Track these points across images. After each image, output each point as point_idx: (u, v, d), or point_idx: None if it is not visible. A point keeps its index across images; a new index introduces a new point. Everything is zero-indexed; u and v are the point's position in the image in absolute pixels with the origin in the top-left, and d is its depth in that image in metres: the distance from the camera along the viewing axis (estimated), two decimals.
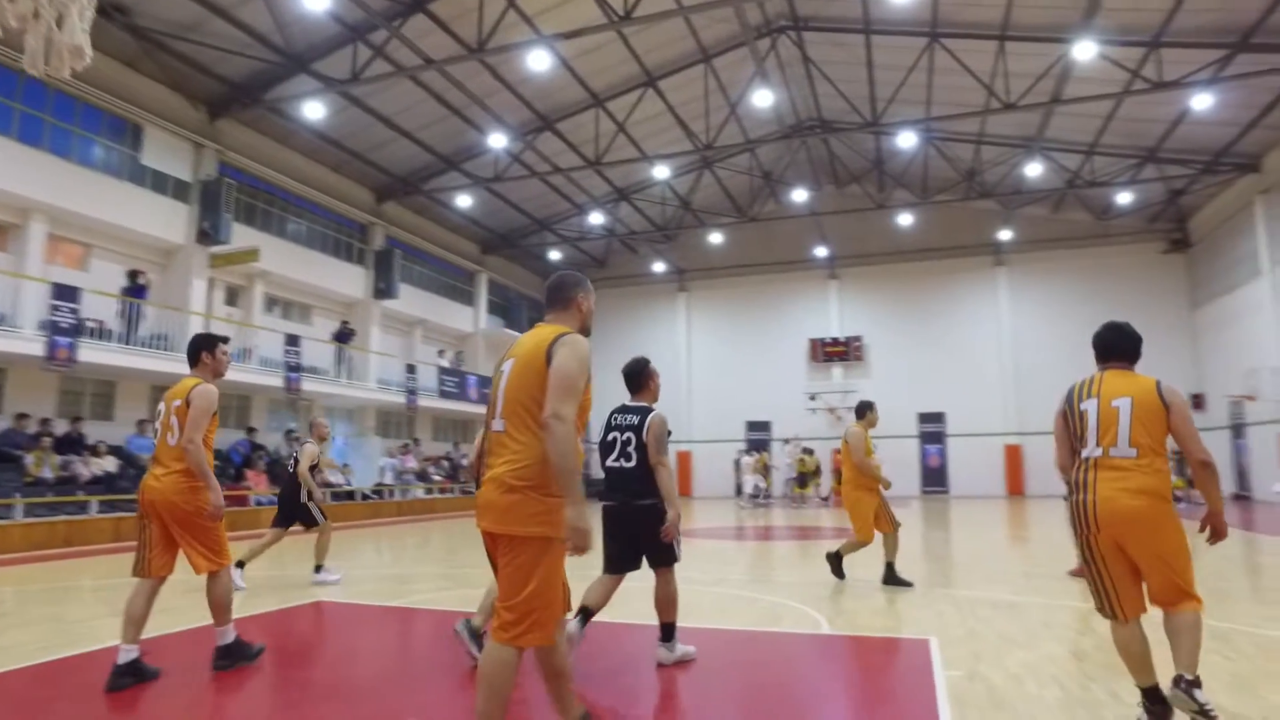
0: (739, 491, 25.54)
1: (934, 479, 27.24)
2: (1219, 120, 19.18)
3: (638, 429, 4.53)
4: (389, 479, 18.97)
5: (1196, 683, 3.18)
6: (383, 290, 21.33)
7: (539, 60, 16.06)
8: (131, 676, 3.99)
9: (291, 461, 8.29)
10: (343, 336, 19.84)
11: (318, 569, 7.94)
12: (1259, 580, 8.01)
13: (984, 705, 3.72)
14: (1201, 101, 17.59)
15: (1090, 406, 3.48)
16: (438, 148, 21.02)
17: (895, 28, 18.51)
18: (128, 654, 4.00)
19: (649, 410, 4.63)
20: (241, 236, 17.27)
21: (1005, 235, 26.60)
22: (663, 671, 4.41)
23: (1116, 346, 3.63)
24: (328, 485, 8.16)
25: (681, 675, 4.35)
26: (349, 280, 21.14)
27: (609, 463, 4.61)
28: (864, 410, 7.53)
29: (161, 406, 4.41)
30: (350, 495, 17.56)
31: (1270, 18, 15.18)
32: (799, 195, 25.73)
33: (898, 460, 24.14)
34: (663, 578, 4.56)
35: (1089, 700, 3.78)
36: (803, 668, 4.70)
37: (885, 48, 19.29)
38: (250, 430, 16.92)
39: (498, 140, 19.81)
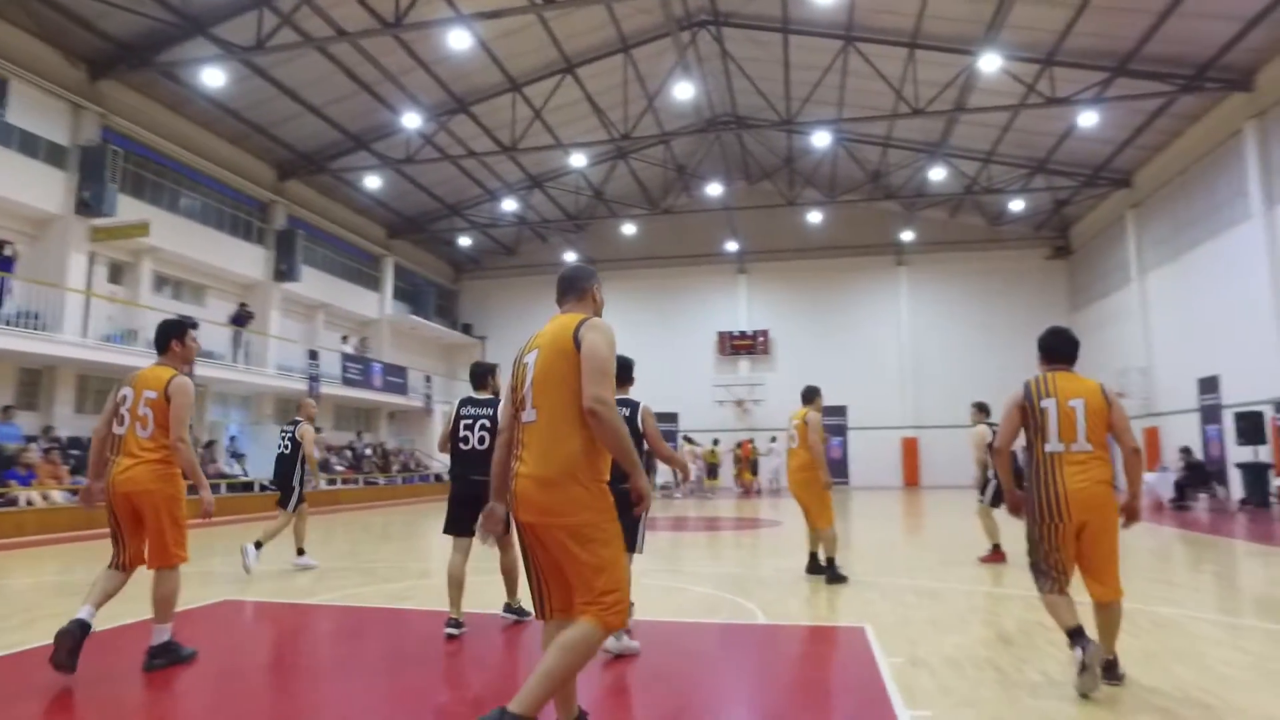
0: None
1: (835, 470, 27.97)
2: (1099, 138, 20.64)
3: (630, 420, 4.69)
4: None
5: (1115, 663, 3.89)
6: (284, 272, 20.25)
7: (459, 39, 15.58)
8: (79, 635, 3.92)
9: (286, 444, 8.31)
10: (240, 319, 18.73)
11: (258, 545, 7.79)
12: (1131, 560, 8.67)
13: (930, 691, 3.85)
14: (1087, 119, 18.85)
15: (1050, 405, 3.88)
16: (346, 125, 20.11)
17: (812, 28, 18.96)
18: (88, 614, 4.04)
19: (638, 403, 4.81)
20: (128, 209, 16.00)
21: (907, 236, 27.75)
22: (611, 665, 4.35)
23: (1060, 350, 4.07)
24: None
25: (631, 668, 4.31)
26: (248, 260, 19.95)
27: None
28: (814, 395, 7.28)
29: (128, 392, 4.27)
30: (248, 487, 16.60)
31: (1145, 47, 16.42)
32: (713, 189, 25.95)
33: None
34: None
35: (1024, 682, 3.98)
36: (749, 658, 4.74)
37: (802, 48, 19.71)
38: None
39: (412, 120, 19.10)
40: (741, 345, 29.52)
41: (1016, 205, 25.45)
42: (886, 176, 25.04)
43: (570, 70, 20.27)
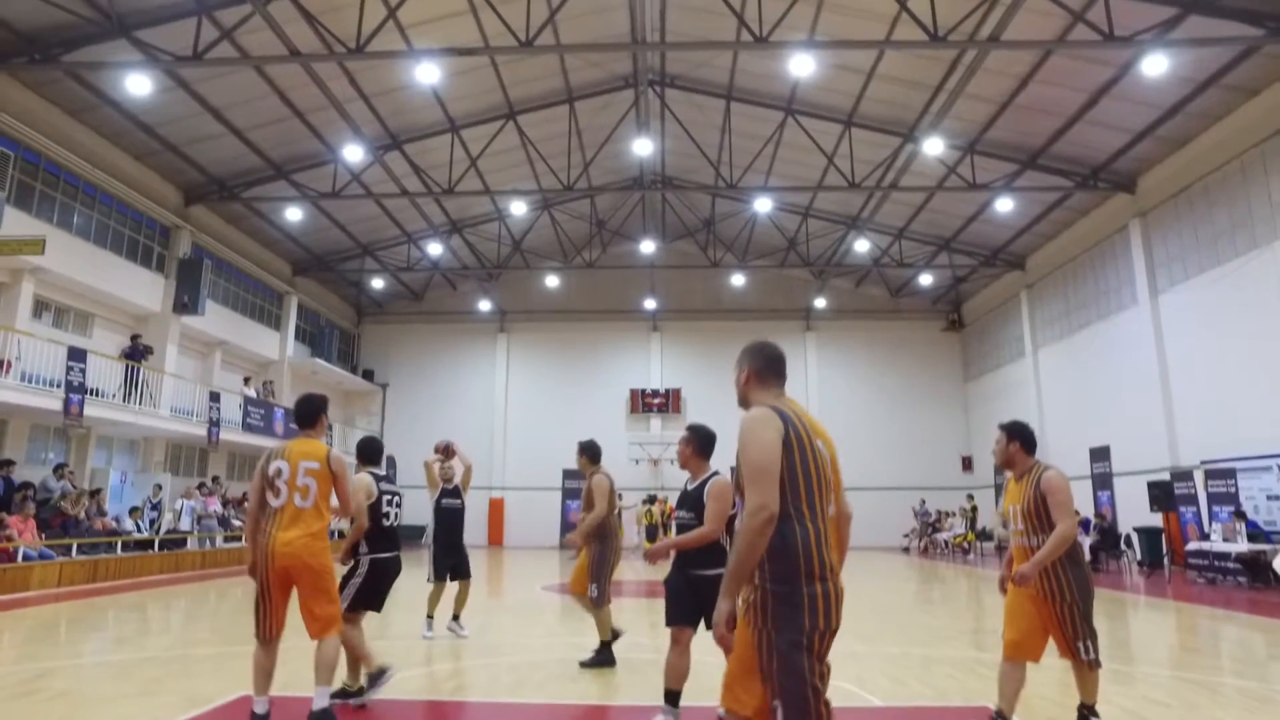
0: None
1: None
2: (1000, 223, 22.45)
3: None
4: (186, 524, 15.95)
5: None
6: (186, 304, 18.25)
7: (428, 74, 14.88)
8: None
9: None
10: (135, 354, 16.64)
11: (455, 617, 7.86)
12: (1172, 634, 9.01)
13: None
14: (1003, 204, 20.44)
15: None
16: (268, 152, 18.70)
17: (756, 98, 19.62)
18: (262, 705, 4.19)
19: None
20: (15, 224, 13.98)
21: (820, 303, 28.77)
22: None
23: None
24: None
25: None
26: (145, 289, 17.88)
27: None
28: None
29: (282, 465, 4.37)
30: (150, 545, 14.50)
31: (1052, 146, 18.13)
32: (646, 247, 25.90)
33: None
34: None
35: None
36: None
37: (741, 115, 20.27)
38: (6, 464, 13.36)
39: (354, 153, 17.94)
40: (653, 403, 29.45)
41: (925, 279, 26.93)
42: (803, 245, 26.04)
43: (512, 117, 19.94)
